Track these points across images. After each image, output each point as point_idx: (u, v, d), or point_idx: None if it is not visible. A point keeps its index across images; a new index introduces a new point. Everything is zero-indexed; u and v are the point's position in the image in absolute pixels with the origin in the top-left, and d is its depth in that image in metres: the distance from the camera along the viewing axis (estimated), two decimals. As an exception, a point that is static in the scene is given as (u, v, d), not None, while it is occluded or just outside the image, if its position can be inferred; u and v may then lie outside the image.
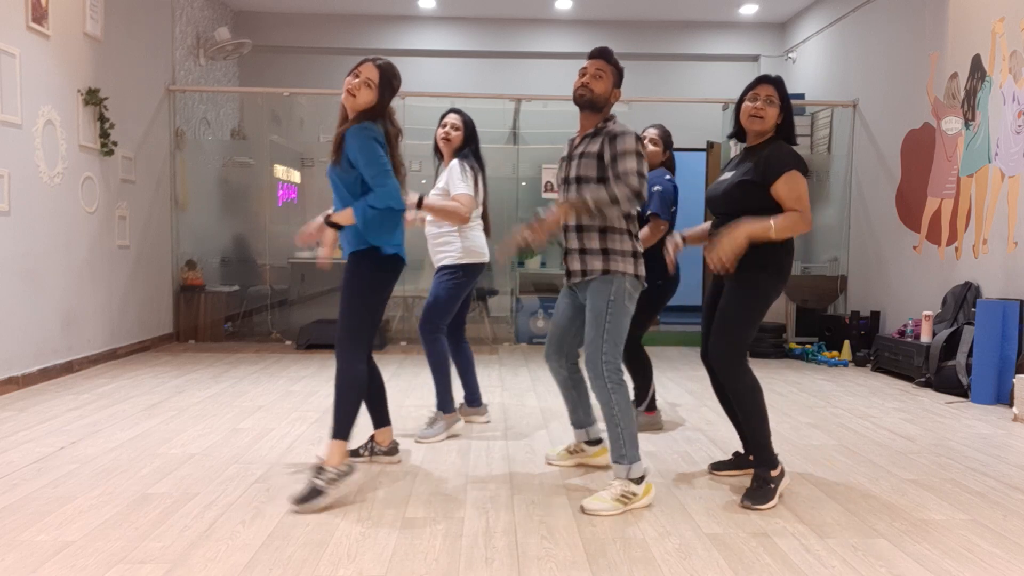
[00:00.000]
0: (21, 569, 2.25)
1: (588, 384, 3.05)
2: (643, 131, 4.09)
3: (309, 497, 2.75)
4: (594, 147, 2.94)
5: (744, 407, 2.93)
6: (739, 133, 3.09)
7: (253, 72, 8.89)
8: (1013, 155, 5.07)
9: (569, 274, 3.04)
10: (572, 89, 3.04)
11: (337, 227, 2.92)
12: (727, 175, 3.05)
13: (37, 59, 4.99)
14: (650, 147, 4.02)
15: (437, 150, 3.93)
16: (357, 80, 2.88)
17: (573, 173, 2.98)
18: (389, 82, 2.91)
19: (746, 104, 2.98)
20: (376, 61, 2.92)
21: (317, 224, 2.98)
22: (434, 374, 3.83)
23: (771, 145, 2.94)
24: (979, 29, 5.44)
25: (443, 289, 3.78)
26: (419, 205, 3.64)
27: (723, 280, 3.06)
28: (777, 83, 2.97)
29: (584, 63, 3.03)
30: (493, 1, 8.32)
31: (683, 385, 5.36)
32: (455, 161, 3.77)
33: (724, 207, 3.01)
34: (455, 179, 3.72)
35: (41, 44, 5.05)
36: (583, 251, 2.96)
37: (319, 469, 2.82)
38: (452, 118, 3.85)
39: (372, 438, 3.37)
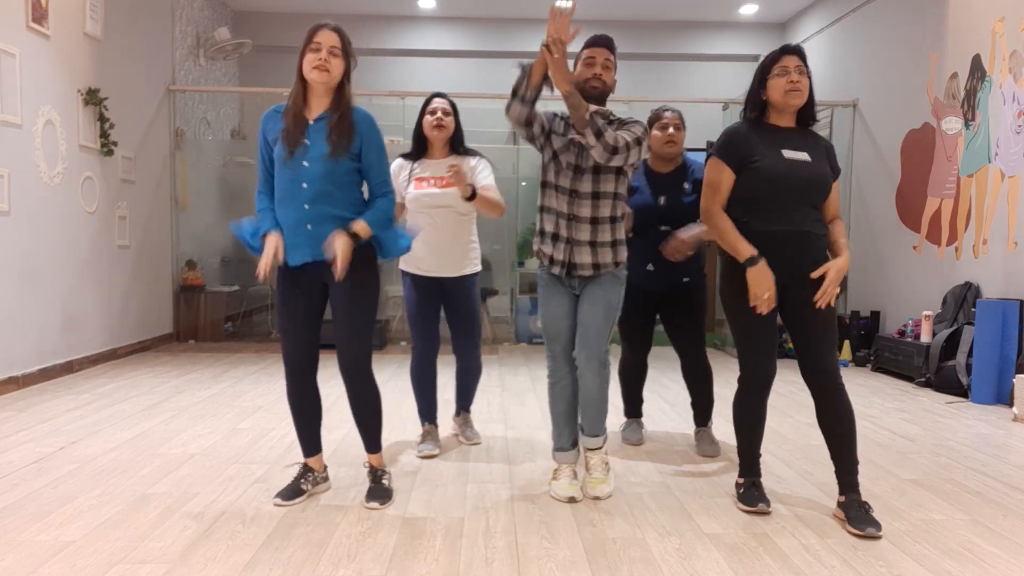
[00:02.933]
0: (21, 569, 2.25)
1: (583, 371, 2.92)
2: (660, 113, 3.61)
3: (388, 496, 2.88)
4: None
5: (853, 423, 2.72)
6: (760, 113, 2.79)
7: (253, 72, 8.89)
8: (1013, 155, 5.06)
9: (574, 266, 2.90)
10: (578, 77, 2.87)
11: (356, 239, 2.65)
12: (799, 155, 2.72)
13: (37, 59, 4.99)
14: (676, 133, 3.56)
15: (420, 140, 3.50)
16: (323, 52, 2.61)
17: (591, 162, 2.85)
18: (350, 43, 2.69)
19: (776, 80, 2.71)
20: (328, 25, 2.65)
21: (344, 239, 2.62)
22: (474, 383, 3.74)
23: (821, 137, 2.82)
24: (979, 29, 5.44)
25: (477, 297, 3.60)
26: (471, 196, 3.24)
27: (782, 282, 2.73)
28: (801, 52, 2.73)
29: (587, 52, 2.89)
30: (493, 1, 8.32)
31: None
32: (482, 161, 3.49)
33: (820, 197, 2.75)
34: (487, 173, 3.45)
35: (41, 44, 5.04)
36: (594, 244, 2.89)
37: (381, 471, 2.95)
38: (441, 103, 3.45)
39: (309, 467, 2.95)
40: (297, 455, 3.43)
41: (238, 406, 4.43)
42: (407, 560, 2.35)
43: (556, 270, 2.94)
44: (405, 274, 3.55)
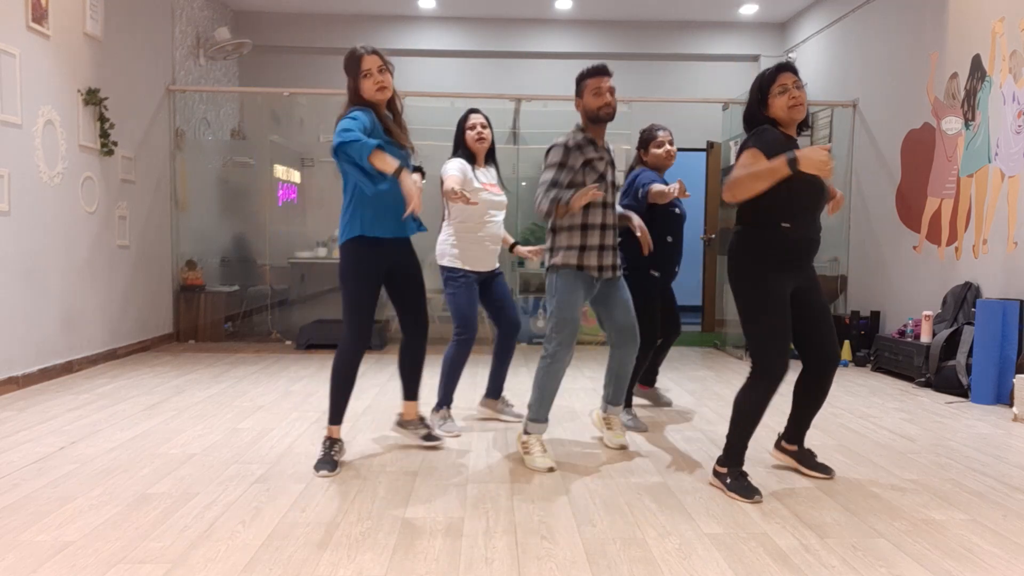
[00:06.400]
0: (21, 569, 2.26)
1: (629, 349, 3.50)
2: (655, 133, 4.08)
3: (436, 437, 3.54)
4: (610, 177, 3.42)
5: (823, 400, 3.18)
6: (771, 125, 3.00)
7: (253, 72, 8.89)
8: (1013, 155, 5.07)
9: (612, 268, 3.39)
10: (590, 105, 3.28)
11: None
12: None
13: (37, 59, 4.99)
14: (671, 147, 4.08)
15: (462, 151, 3.87)
16: (376, 75, 3.06)
17: (610, 176, 3.39)
18: (385, 55, 3.15)
19: (779, 98, 2.92)
20: (366, 49, 3.09)
21: (415, 181, 3.09)
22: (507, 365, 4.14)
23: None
24: (979, 29, 5.44)
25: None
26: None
27: (795, 283, 2.98)
28: (795, 69, 2.97)
29: (591, 82, 3.28)
30: (493, 1, 8.32)
31: (683, 385, 5.36)
32: (492, 170, 4.02)
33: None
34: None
35: (41, 44, 5.04)
36: (613, 248, 3.40)
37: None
38: (479, 118, 3.88)
39: (334, 439, 3.33)
40: (298, 455, 3.44)
41: (238, 406, 4.43)
42: (407, 560, 2.35)
43: (608, 275, 3.38)
44: (462, 271, 3.87)
